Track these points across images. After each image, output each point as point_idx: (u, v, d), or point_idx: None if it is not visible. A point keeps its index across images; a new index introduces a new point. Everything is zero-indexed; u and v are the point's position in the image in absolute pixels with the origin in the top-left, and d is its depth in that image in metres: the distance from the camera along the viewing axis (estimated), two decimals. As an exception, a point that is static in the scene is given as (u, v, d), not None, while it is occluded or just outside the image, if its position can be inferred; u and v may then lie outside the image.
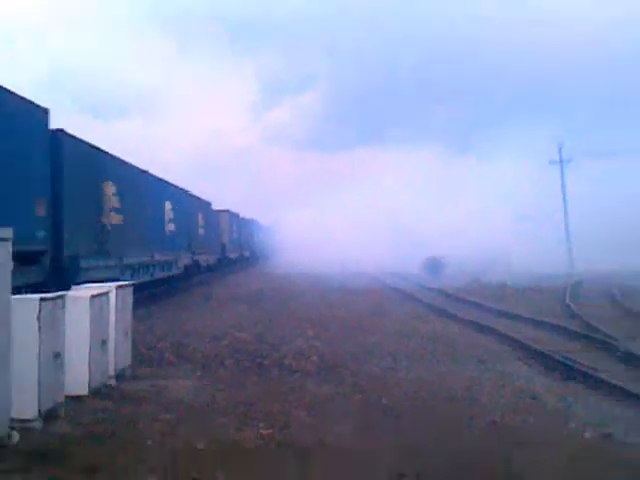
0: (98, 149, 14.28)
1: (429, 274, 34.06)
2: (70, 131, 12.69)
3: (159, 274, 18.66)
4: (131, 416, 7.09)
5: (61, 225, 11.90)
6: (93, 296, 7.98)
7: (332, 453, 6.07)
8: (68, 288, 9.19)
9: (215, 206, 30.47)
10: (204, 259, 25.74)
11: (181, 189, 22.37)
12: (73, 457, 5.67)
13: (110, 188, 14.26)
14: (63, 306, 7.17)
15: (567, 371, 9.89)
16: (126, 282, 9.86)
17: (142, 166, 17.79)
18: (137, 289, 12.70)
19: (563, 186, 44.92)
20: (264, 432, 6.55)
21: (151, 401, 7.81)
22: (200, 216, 25.34)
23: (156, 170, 18.37)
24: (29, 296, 6.79)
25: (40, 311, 6.46)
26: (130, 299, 9.64)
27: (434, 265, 35.92)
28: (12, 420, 5.94)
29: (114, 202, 14.55)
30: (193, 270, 23.53)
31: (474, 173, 56.86)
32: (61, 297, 7.22)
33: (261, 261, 45.22)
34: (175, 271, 20.62)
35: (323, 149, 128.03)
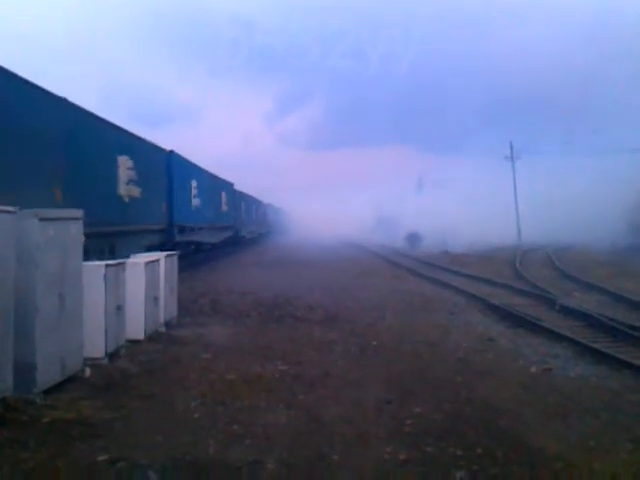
0: (243, 193, 29.59)
1: (409, 245, 33.89)
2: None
3: (253, 235, 34.80)
4: (177, 355, 7.09)
5: (235, 218, 26.16)
6: (147, 262, 7.92)
7: (334, 383, 6.03)
8: (239, 239, 28.52)
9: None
10: (262, 230, 40.84)
11: (257, 199, 36.96)
12: (132, 387, 5.67)
13: (242, 206, 29.17)
14: (124, 270, 7.12)
15: (516, 320, 9.84)
16: (173, 252, 9.80)
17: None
18: (248, 240, 33.04)
19: (514, 176, 44.93)
20: (281, 367, 6.53)
21: (193, 343, 7.80)
22: (261, 209, 39.71)
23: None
24: (97, 262, 6.75)
25: (106, 274, 6.42)
26: (176, 265, 9.58)
27: (413, 238, 35.71)
28: (85, 359, 5.94)
29: (245, 211, 29.65)
30: (260, 235, 38.92)
31: (445, 167, 56.53)
32: (122, 263, 7.17)
33: (280, 235, 45.34)
34: (257, 235, 37.11)
35: (321, 148, 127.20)
